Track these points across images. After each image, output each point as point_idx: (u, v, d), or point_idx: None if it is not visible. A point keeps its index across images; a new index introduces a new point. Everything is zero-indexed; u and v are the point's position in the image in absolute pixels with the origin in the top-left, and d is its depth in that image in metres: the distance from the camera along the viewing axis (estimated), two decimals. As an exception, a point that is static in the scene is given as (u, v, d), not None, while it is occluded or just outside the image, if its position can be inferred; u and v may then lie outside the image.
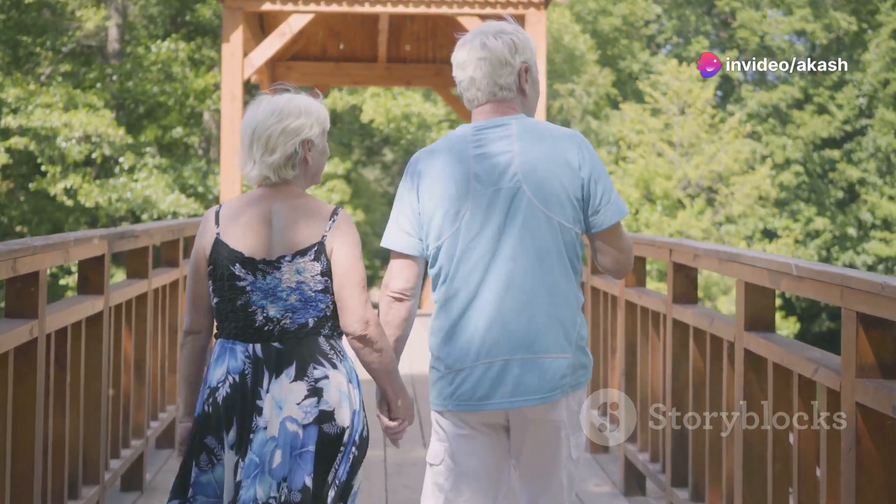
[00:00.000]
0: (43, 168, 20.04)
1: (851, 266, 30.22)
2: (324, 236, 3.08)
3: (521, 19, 11.95)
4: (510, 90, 3.07)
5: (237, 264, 3.06)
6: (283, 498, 2.99)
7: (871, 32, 31.63)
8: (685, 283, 5.04)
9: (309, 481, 3.00)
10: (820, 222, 29.94)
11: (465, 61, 3.06)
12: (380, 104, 23.21)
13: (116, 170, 20.95)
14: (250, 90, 21.81)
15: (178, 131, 21.98)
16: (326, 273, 3.08)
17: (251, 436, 3.05)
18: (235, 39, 11.36)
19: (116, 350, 5.31)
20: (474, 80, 3.05)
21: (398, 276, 3.09)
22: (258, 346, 3.07)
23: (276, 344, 3.07)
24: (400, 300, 3.10)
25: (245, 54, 11.73)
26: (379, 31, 13.88)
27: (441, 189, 3.02)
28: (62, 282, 20.76)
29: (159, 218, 20.33)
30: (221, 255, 3.08)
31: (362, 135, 27.66)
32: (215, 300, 3.12)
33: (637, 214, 25.85)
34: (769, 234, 30.06)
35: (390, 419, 3.19)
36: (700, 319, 4.69)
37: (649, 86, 28.12)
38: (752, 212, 26.99)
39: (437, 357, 3.07)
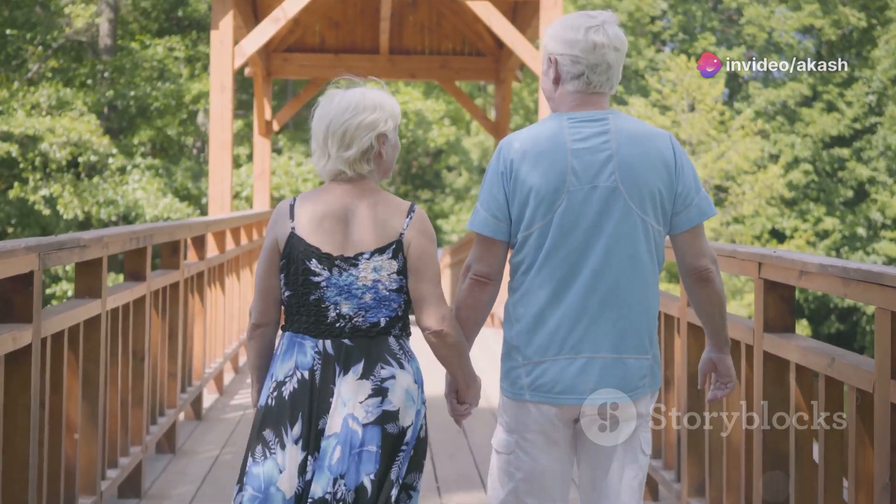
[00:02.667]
0: (24, 175, 18.94)
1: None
2: (401, 234, 3.06)
3: (535, 4, 10.94)
4: (617, 84, 3.10)
5: (313, 259, 3.04)
6: (339, 495, 2.97)
7: (880, 28, 30.65)
8: (780, 307, 3.86)
9: (368, 482, 2.98)
10: (829, 222, 29.11)
11: (605, 45, 2.99)
12: (380, 100, 21.95)
13: (106, 174, 19.86)
14: (244, 83, 20.69)
15: (172, 131, 20.90)
16: (402, 272, 3.06)
17: (324, 433, 3.03)
18: (225, 26, 10.37)
19: (55, 386, 4.14)
20: (611, 67, 3.02)
21: (482, 259, 3.06)
22: (328, 343, 3.05)
23: (346, 341, 3.05)
24: (484, 283, 3.06)
25: (236, 42, 10.66)
26: (381, 19, 12.78)
27: (536, 179, 2.97)
28: (49, 290, 19.60)
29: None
30: (297, 249, 3.05)
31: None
32: (287, 293, 3.09)
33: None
34: (777, 234, 29.06)
35: (458, 401, 3.19)
36: (812, 357, 3.52)
37: (658, 82, 26.99)
38: (762, 211, 25.92)
39: (515, 346, 3.02)
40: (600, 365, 2.95)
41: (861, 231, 29.43)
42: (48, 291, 19.36)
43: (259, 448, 3.05)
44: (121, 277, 16.88)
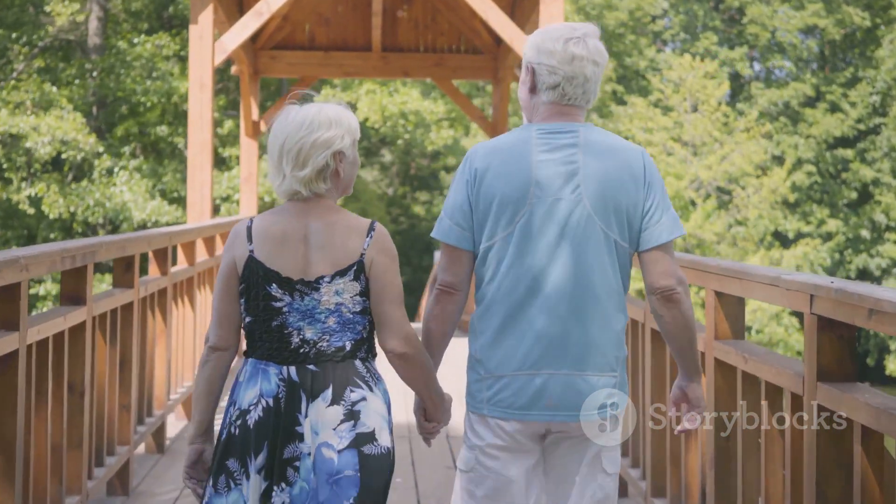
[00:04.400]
0: (7, 175, 18.18)
1: (865, 270, 28.57)
2: (362, 254, 2.97)
3: (535, 1, 10.19)
4: (594, 100, 3.03)
5: (273, 284, 2.94)
6: None
7: (884, 28, 29.91)
8: (839, 351, 3.07)
9: None
10: (833, 224, 28.40)
11: (583, 57, 2.95)
12: (375, 101, 21.13)
13: (94, 174, 19.08)
14: (230, 81, 19.92)
15: (162, 129, 20.10)
16: (365, 293, 2.98)
17: (296, 463, 2.92)
18: (204, 20, 9.68)
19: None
20: (588, 80, 2.96)
21: (448, 269, 3.01)
22: (293, 369, 2.95)
23: (311, 367, 2.95)
24: (450, 294, 3.01)
25: (218, 38, 9.92)
26: (373, 14, 12.02)
27: (500, 189, 2.93)
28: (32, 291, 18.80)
29: (139, 228, 18.38)
30: (256, 273, 2.96)
31: (360, 135, 25.74)
32: (247, 319, 2.99)
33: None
34: (780, 237, 28.28)
35: (426, 419, 3.11)
36: (887, 419, 2.72)
37: (660, 81, 26.18)
38: (768, 214, 25.15)
39: (479, 359, 2.98)
40: (562, 382, 2.88)
41: (865, 233, 28.87)
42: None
43: (223, 479, 2.93)
44: (109, 281, 16.10)
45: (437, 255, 3.10)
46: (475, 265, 2.99)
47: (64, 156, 18.30)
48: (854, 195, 29.47)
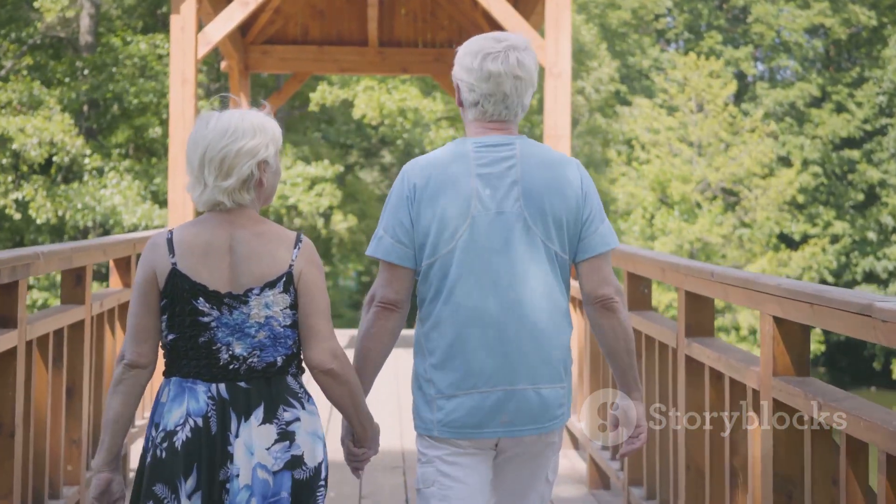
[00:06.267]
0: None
1: (872, 273, 27.82)
2: (290, 265, 2.84)
3: (539, -9, 9.46)
4: (525, 111, 2.96)
5: (200, 298, 2.80)
6: None
7: (891, 27, 29.16)
8: None
9: None
10: (839, 226, 27.62)
11: (500, 74, 2.88)
12: (373, 98, 20.31)
13: (85, 176, 18.30)
14: (220, 78, 19.15)
15: (156, 131, 19.33)
16: (294, 306, 2.85)
17: (227, 485, 2.78)
18: (187, 10, 8.93)
19: None
20: (507, 96, 2.90)
21: (389, 285, 2.92)
22: (223, 386, 2.80)
23: (242, 384, 2.81)
24: (390, 311, 2.93)
25: (201, 28, 9.16)
26: (369, 6, 11.27)
27: (440, 205, 2.86)
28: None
29: (131, 232, 17.61)
30: (181, 287, 2.79)
31: (359, 136, 24.98)
32: (171, 336, 2.82)
33: (653, 220, 23.14)
34: (785, 239, 27.51)
35: (355, 445, 3.00)
36: None
37: (665, 81, 25.38)
38: (776, 216, 24.36)
39: (427, 380, 2.90)
40: (518, 397, 2.85)
41: (871, 235, 28.08)
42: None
43: None
44: (102, 285, 15.33)
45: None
46: (420, 281, 2.91)
47: (55, 158, 17.55)
48: (861, 197, 28.71)
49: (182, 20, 8.85)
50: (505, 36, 2.91)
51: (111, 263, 5.60)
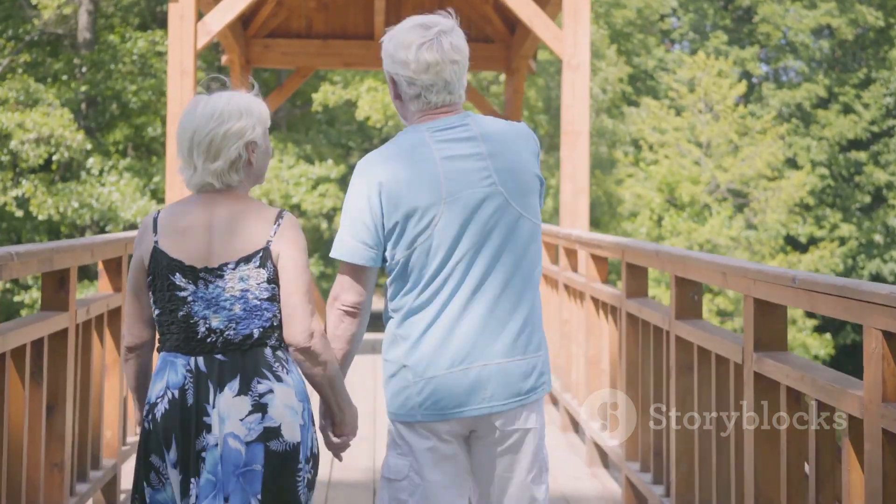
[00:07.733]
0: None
1: (878, 276, 27.30)
2: (269, 241, 2.86)
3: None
4: (464, 89, 2.94)
5: (177, 273, 2.85)
6: None
7: (898, 28, 28.62)
8: None
9: (255, 502, 2.78)
10: (846, 228, 27.09)
11: (438, 62, 2.82)
12: (376, 99, 19.73)
13: (83, 174, 17.77)
14: (221, 71, 18.53)
15: (156, 130, 18.80)
16: (273, 280, 2.85)
17: (203, 454, 2.80)
18: (186, -1, 8.33)
19: None
20: (449, 83, 2.86)
21: (353, 288, 2.88)
22: (200, 359, 2.84)
23: (219, 356, 2.84)
24: (353, 314, 2.90)
25: (200, 17, 8.66)
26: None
27: (409, 197, 2.79)
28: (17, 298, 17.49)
29: (128, 229, 17.07)
30: (161, 264, 2.86)
31: (362, 137, 24.43)
32: (156, 312, 2.90)
33: (661, 222, 22.58)
34: (792, 241, 26.97)
35: (334, 433, 3.00)
36: None
37: (674, 81, 24.82)
38: (786, 218, 23.82)
39: (405, 365, 2.85)
40: (496, 371, 2.81)
41: (878, 238, 27.56)
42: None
43: (153, 475, 2.83)
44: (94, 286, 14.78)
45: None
46: (393, 277, 2.85)
47: (55, 157, 17.02)
48: (868, 199, 28.19)
49: (181, 8, 8.37)
50: (429, 20, 2.83)
51: (100, 265, 5.06)
